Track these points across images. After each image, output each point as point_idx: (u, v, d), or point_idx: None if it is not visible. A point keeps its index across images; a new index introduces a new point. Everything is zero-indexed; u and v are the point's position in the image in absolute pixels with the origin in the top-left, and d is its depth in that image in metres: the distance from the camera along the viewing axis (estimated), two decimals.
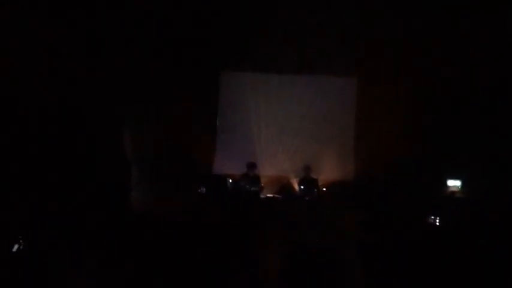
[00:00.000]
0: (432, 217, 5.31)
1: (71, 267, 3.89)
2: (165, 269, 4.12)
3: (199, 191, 7.40)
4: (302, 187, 7.82)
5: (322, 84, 8.90)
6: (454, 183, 7.62)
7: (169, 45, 8.00)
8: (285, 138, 8.75)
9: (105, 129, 6.79)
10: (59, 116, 6.10)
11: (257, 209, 6.65)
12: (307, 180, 7.90)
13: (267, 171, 8.42)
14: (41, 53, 5.89)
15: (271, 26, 7.88)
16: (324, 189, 7.91)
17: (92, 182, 6.08)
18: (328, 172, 8.44)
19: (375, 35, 8.10)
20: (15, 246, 4.14)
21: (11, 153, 5.44)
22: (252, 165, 7.84)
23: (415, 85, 7.97)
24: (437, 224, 5.23)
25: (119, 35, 7.17)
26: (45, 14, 5.96)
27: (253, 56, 8.35)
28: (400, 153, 7.80)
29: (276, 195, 7.72)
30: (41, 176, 5.58)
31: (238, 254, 4.47)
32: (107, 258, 4.04)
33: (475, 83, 7.62)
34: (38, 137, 5.76)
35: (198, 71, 8.42)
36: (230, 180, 7.87)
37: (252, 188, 7.57)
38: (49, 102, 5.96)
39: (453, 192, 7.55)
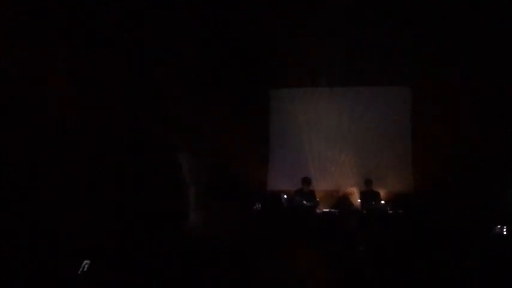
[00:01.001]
0: (498, 227, 5.00)
1: None
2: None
3: (254, 208, 7.41)
4: (363, 201, 7.72)
5: (375, 95, 8.73)
6: None
7: (220, 63, 8.18)
8: (338, 151, 8.63)
9: (159, 149, 7.00)
10: (117, 141, 6.36)
11: (314, 223, 6.58)
12: (369, 194, 7.78)
13: (322, 186, 8.32)
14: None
15: (318, 38, 7.90)
16: (383, 202, 7.70)
17: (150, 207, 6.26)
18: (387, 185, 8.22)
19: (428, 41, 7.93)
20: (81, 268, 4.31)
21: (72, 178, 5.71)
22: (306, 180, 7.79)
23: (472, 91, 7.68)
24: (504, 233, 4.92)
25: (171, 57, 7.42)
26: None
27: (301, 71, 8.38)
28: (460, 162, 7.50)
29: (333, 210, 7.60)
30: (99, 200, 5.81)
31: (295, 270, 4.42)
32: (162, 281, 4.12)
33: None
34: (97, 161, 6.01)
35: (248, 89, 8.53)
36: (285, 196, 7.84)
37: (308, 203, 7.50)
38: (108, 127, 6.24)
39: None
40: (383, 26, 7.82)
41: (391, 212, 7.12)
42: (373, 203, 7.58)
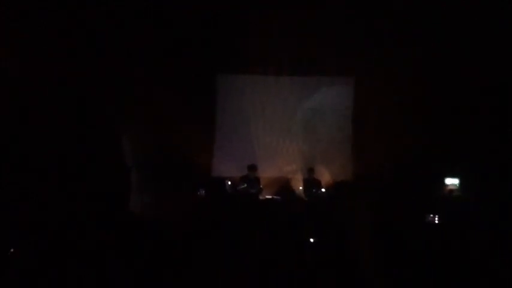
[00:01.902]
0: (431, 215, 5.31)
1: (70, 274, 3.89)
2: (163, 272, 4.13)
3: (198, 193, 7.40)
4: (306, 188, 7.89)
5: (320, 85, 8.91)
6: (452, 182, 7.64)
7: (166, 47, 8.03)
8: (284, 139, 8.77)
9: (100, 132, 6.79)
10: (56, 118, 6.13)
11: (256, 210, 6.66)
12: (311, 182, 7.96)
13: (267, 172, 8.43)
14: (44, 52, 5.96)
15: (267, 28, 7.90)
16: (324, 190, 7.93)
17: (90, 186, 6.09)
18: (329, 173, 8.46)
19: (371, 33, 8.15)
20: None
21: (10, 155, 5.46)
22: (252, 167, 7.86)
23: (412, 83, 8.01)
24: (436, 222, 5.24)
25: (117, 35, 7.20)
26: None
27: (250, 59, 8.37)
28: (398, 152, 7.85)
29: (276, 197, 7.73)
30: (36, 179, 5.60)
31: (236, 255, 4.48)
32: (106, 264, 4.04)
33: (473, 80, 7.65)
34: (35, 138, 5.79)
35: (195, 74, 8.44)
36: (229, 183, 7.88)
37: (252, 190, 7.58)
38: (48, 101, 6.00)
39: (451, 191, 7.57)
40: (331, 16, 7.94)
41: (331, 200, 7.36)
42: (314, 190, 7.78)
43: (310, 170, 8.11)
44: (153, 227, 5.16)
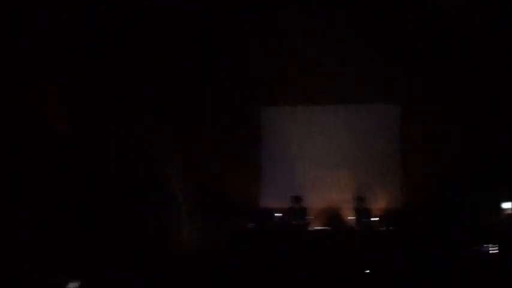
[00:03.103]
0: (487, 245, 4.97)
1: None
2: None
3: (247, 226, 7.36)
4: (357, 218, 7.74)
5: (365, 113, 8.80)
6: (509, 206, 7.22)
7: (210, 81, 8.20)
8: (330, 169, 8.63)
9: (149, 169, 6.96)
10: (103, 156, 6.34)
11: (304, 241, 6.54)
12: (362, 211, 7.80)
13: (314, 203, 8.28)
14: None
15: (308, 58, 7.96)
16: (374, 219, 7.69)
17: (140, 224, 6.20)
18: (377, 201, 8.23)
19: (415, 58, 8.03)
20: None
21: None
22: (296, 199, 7.78)
23: (461, 109, 7.78)
24: (494, 252, 4.90)
25: (161, 71, 7.44)
26: None
27: (293, 90, 8.42)
28: (449, 178, 7.57)
29: (325, 227, 7.57)
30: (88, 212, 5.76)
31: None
32: None
33: None
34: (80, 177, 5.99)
35: (240, 108, 8.54)
36: (277, 214, 7.81)
37: (296, 222, 7.47)
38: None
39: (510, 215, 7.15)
40: (373, 44, 7.93)
41: (383, 229, 7.12)
42: (365, 220, 7.56)
43: (360, 199, 7.93)
44: (202, 262, 5.15)
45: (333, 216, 8.10)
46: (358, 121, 8.78)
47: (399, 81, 8.23)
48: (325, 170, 8.61)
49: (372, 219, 7.71)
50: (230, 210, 7.77)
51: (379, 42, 7.83)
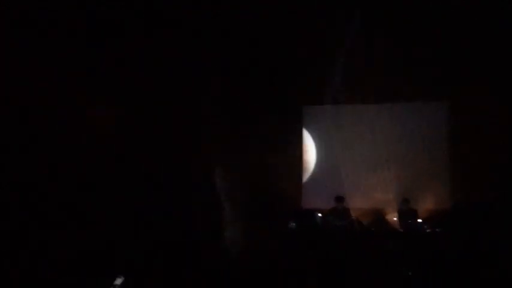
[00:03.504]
0: None
1: None
2: None
3: (289, 226, 7.39)
4: (401, 219, 7.58)
5: (411, 111, 8.60)
6: None
7: (252, 80, 8.28)
8: (373, 169, 8.49)
9: (197, 172, 7.12)
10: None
11: (347, 242, 6.49)
12: (407, 212, 7.62)
13: (357, 204, 8.19)
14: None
15: (352, 55, 7.89)
16: (420, 220, 7.51)
17: (184, 223, 6.36)
18: (425, 202, 8.04)
19: (464, 56, 7.81)
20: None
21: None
22: (339, 199, 7.73)
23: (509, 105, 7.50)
24: None
25: (207, 76, 7.59)
26: None
27: (336, 88, 8.36)
28: (501, 177, 7.29)
29: (370, 228, 7.49)
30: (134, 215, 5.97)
31: None
32: None
33: None
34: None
35: (282, 106, 8.58)
36: (319, 215, 7.78)
37: (340, 222, 7.41)
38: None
39: None
40: (417, 42, 7.77)
41: (429, 231, 6.94)
42: (410, 221, 7.40)
43: (405, 200, 7.76)
44: (246, 261, 5.23)
45: (377, 218, 8.01)
46: (404, 120, 8.58)
47: (446, 77, 8.03)
48: (369, 170, 8.49)
49: (418, 220, 7.52)
50: (275, 211, 7.82)
51: (423, 40, 7.66)
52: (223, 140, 7.74)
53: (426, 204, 8.03)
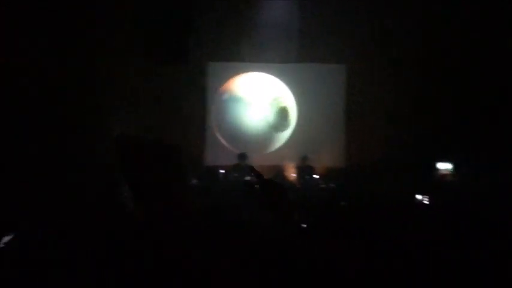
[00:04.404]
0: (421, 197, 5.26)
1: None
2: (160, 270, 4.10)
3: (191, 183, 7.34)
4: (299, 175, 7.94)
5: (311, 72, 8.86)
6: (445, 166, 7.62)
7: (158, 38, 7.94)
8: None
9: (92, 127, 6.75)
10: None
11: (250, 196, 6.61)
12: (304, 169, 8.00)
13: (260, 161, 8.36)
14: None
15: (258, 15, 7.86)
16: (317, 176, 7.92)
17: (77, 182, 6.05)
18: (321, 160, 8.43)
19: (364, 20, 8.13)
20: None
21: None
22: (242, 156, 7.84)
23: (403, 70, 8.02)
24: (426, 203, 5.17)
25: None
26: None
27: (240, 47, 8.32)
28: (390, 138, 7.86)
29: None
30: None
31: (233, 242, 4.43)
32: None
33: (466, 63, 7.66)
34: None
35: (187, 62, 8.34)
36: (222, 171, 7.85)
37: (245, 178, 7.53)
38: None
39: (444, 176, 7.55)
40: (322, 4, 7.94)
41: (323, 186, 7.36)
42: (307, 177, 7.76)
43: (304, 158, 8.13)
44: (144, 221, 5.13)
45: (278, 174, 8.26)
46: (303, 80, 8.83)
47: (346, 41, 8.33)
48: (272, 128, 8.69)
49: (314, 176, 7.91)
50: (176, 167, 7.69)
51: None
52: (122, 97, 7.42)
53: (323, 161, 8.43)
